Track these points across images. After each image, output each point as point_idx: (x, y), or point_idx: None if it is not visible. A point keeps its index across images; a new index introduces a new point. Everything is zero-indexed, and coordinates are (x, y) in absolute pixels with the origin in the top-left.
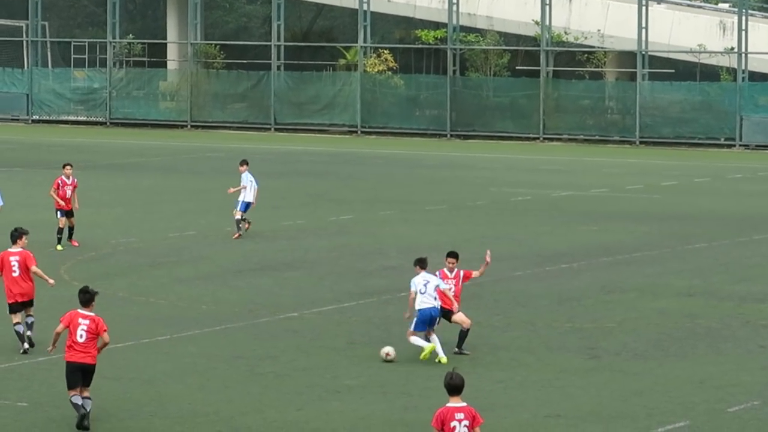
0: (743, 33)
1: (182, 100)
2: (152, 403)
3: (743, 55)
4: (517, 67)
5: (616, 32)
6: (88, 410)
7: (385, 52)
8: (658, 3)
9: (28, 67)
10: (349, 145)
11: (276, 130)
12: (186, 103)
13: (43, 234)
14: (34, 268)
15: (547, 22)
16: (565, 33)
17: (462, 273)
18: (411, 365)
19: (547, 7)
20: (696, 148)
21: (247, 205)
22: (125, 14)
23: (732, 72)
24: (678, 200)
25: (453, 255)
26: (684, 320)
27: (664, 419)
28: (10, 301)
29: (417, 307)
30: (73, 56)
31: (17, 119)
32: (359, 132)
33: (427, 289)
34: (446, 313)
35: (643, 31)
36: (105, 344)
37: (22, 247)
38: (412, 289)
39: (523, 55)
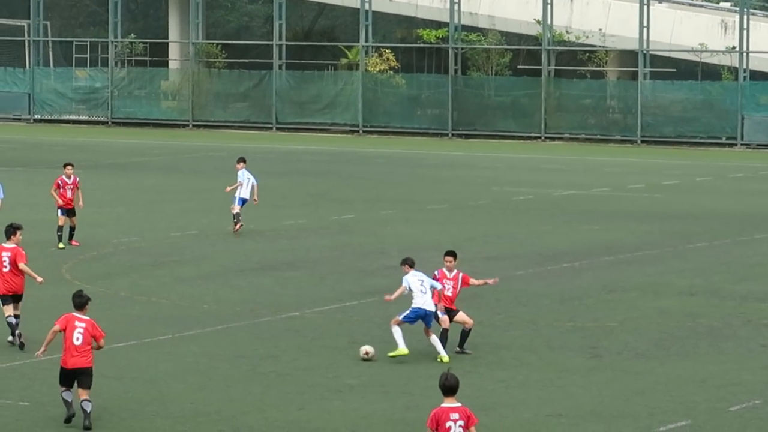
0: (744, 32)
1: (184, 100)
2: (154, 403)
3: (744, 54)
4: (518, 67)
5: (618, 31)
6: (88, 411)
7: (386, 51)
8: (660, 2)
9: (29, 67)
10: (350, 144)
11: (277, 129)
12: (188, 102)
13: (45, 233)
14: (21, 265)
15: (549, 22)
16: (567, 32)
17: (461, 276)
18: (413, 365)
19: (549, 7)
20: (697, 147)
21: (243, 201)
22: (127, 14)
23: (733, 71)
24: (679, 199)
25: (451, 254)
26: (685, 319)
27: (665, 418)
28: (1, 293)
29: (415, 305)
30: (74, 56)
31: (19, 119)
32: (361, 131)
33: (427, 290)
34: (449, 313)
35: (645, 30)
36: (99, 348)
37: (16, 243)
38: (404, 285)
39: (525, 55)
